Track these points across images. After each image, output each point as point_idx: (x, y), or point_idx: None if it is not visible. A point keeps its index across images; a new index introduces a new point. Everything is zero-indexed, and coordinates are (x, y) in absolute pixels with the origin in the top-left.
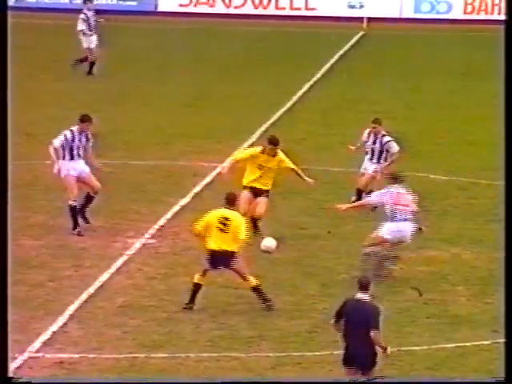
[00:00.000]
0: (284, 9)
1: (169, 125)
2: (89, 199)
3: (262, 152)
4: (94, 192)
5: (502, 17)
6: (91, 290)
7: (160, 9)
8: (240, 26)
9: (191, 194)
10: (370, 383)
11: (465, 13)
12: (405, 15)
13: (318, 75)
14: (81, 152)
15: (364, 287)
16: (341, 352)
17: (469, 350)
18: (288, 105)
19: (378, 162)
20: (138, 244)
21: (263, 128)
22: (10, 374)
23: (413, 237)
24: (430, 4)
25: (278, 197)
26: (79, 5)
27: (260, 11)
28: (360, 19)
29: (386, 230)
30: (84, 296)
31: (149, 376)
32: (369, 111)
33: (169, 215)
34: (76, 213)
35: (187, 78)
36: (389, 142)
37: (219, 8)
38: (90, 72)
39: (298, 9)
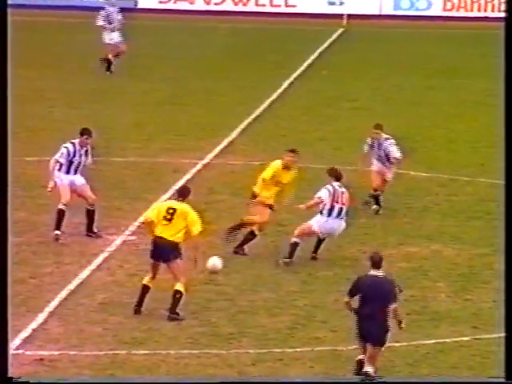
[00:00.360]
0: (264, 6)
1: (149, 122)
2: (90, 215)
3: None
4: (90, 204)
5: (482, 14)
6: (72, 286)
7: (140, 6)
8: (220, 23)
9: (172, 191)
10: (370, 383)
11: (444, 10)
12: (384, 12)
13: (298, 72)
14: (79, 168)
15: (376, 264)
16: (323, 348)
17: (448, 346)
18: (268, 101)
19: (384, 164)
20: (118, 241)
21: (243, 125)
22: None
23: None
24: (410, 1)
25: None
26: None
27: (240, 8)
28: (340, 16)
29: (317, 223)
30: (64, 293)
31: (130, 373)
32: (348, 108)
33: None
34: (62, 217)
35: (167, 74)
36: (389, 146)
37: (199, 5)
38: (109, 70)
39: (278, 6)
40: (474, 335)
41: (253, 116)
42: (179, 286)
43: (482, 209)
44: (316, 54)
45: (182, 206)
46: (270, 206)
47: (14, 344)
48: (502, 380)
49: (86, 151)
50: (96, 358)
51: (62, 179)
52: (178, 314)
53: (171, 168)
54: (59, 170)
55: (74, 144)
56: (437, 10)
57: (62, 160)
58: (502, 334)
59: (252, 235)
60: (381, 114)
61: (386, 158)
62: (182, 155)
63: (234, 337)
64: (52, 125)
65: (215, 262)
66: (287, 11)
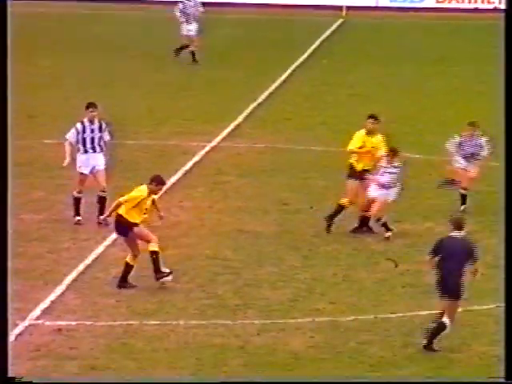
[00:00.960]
0: None
1: (160, 108)
2: (101, 201)
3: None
4: (101, 190)
5: (472, 5)
6: (88, 261)
7: None
8: (224, 14)
9: (181, 172)
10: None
11: (437, 2)
12: (381, 4)
13: (300, 60)
14: (96, 144)
15: (458, 226)
16: (323, 319)
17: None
18: (272, 88)
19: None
20: None
21: (249, 110)
22: (12, 339)
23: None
24: None
25: (263, 174)
26: None
27: (245, 0)
28: (339, 8)
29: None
30: (81, 267)
31: (142, 342)
32: (347, 94)
33: (160, 192)
34: (78, 203)
35: (176, 64)
36: (483, 143)
37: None
38: (194, 60)
39: None
40: (465, 306)
41: (258, 101)
42: (152, 247)
43: (472, 189)
44: (317, 44)
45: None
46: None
47: (34, 315)
48: (502, 380)
49: (100, 127)
50: (110, 328)
51: (81, 166)
52: (163, 272)
53: (181, 150)
54: (78, 151)
55: (82, 121)
56: (430, 2)
57: (73, 139)
58: (492, 306)
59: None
60: (378, 100)
61: (472, 155)
62: (191, 138)
63: (240, 308)
64: (69, 110)
65: None
66: (290, 3)
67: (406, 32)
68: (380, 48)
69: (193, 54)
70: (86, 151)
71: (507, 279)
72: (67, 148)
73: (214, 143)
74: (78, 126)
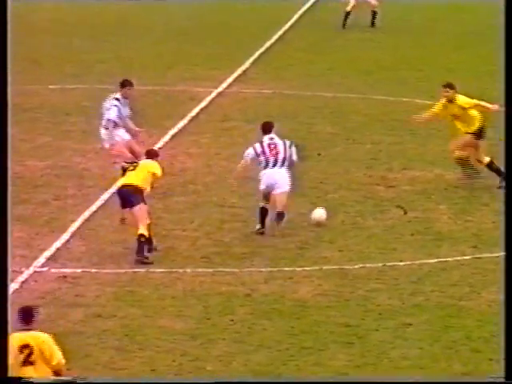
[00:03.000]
0: None
1: (167, 53)
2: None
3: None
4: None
5: None
6: (93, 207)
7: None
8: None
9: (188, 118)
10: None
11: None
12: None
13: (308, 5)
14: (126, 123)
15: None
16: (331, 267)
17: (450, 265)
18: (279, 34)
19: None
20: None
21: (256, 55)
22: (16, 286)
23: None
24: None
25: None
26: None
27: None
28: None
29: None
30: (86, 214)
31: (149, 289)
32: (356, 39)
33: (166, 138)
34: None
35: (183, 8)
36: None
37: None
38: (372, 24)
39: None
40: (474, 254)
41: (265, 47)
42: (142, 230)
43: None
44: None
45: (144, 161)
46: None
47: (39, 262)
48: (502, 380)
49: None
50: (116, 276)
51: (119, 139)
52: (146, 257)
53: (188, 96)
54: (114, 127)
55: (118, 99)
56: None
57: (117, 119)
58: (501, 254)
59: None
60: (387, 45)
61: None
62: (199, 84)
63: (247, 256)
64: (74, 55)
65: (320, 213)
66: None
67: None
68: None
69: (373, 15)
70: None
71: (507, 279)
72: (110, 129)
73: (220, 89)
74: (118, 104)
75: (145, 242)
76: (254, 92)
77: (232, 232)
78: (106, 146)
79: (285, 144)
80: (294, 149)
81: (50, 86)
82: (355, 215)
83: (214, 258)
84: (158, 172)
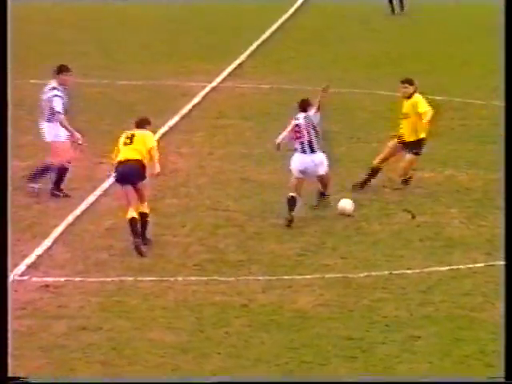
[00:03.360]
0: None
1: (155, 43)
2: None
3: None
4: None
5: None
6: (78, 211)
7: None
8: None
9: (179, 115)
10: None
11: None
12: None
13: None
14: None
15: None
16: (333, 275)
17: (462, 273)
18: (278, 24)
19: None
20: None
21: (253, 47)
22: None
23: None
24: None
25: (268, 117)
26: None
27: None
28: None
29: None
30: (70, 218)
31: (137, 300)
32: (362, 29)
33: (156, 136)
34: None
35: None
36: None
37: None
38: (402, 9)
39: None
40: (488, 261)
41: (262, 38)
42: (145, 209)
43: (497, 133)
44: None
45: (139, 132)
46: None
47: (19, 270)
48: (502, 380)
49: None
50: (102, 285)
51: (63, 135)
52: (139, 237)
53: (180, 91)
54: (58, 120)
55: (57, 88)
56: None
57: (63, 111)
58: None
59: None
60: (395, 38)
61: None
62: (191, 78)
63: (243, 264)
64: (59, 47)
65: (346, 204)
66: None
67: None
68: None
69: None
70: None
71: (507, 283)
72: (66, 124)
73: (214, 83)
74: (59, 93)
75: (136, 222)
76: (250, 87)
77: (227, 237)
78: (48, 140)
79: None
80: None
81: (32, 81)
82: (359, 219)
83: (208, 265)
84: (154, 149)
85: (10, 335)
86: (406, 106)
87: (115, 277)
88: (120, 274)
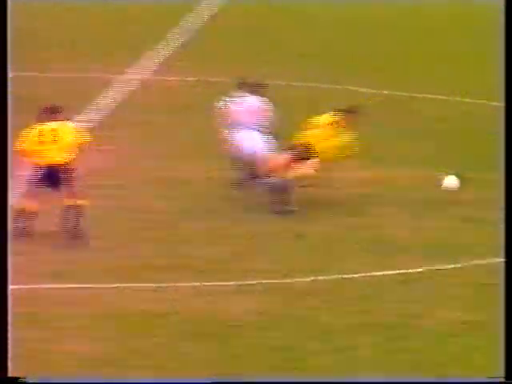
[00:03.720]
0: None
1: (79, 33)
2: None
3: None
4: None
5: None
6: None
7: None
8: None
9: (101, 109)
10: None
11: None
12: None
13: None
14: None
15: None
16: (268, 281)
17: (403, 279)
18: (205, 15)
19: None
20: None
21: (179, 40)
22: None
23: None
24: None
25: (197, 112)
26: None
27: None
28: None
29: None
30: None
31: (49, 310)
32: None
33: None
34: None
35: None
36: None
37: None
38: None
39: None
40: (433, 266)
41: (188, 31)
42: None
43: (438, 127)
44: None
45: (60, 126)
46: None
47: None
48: (502, 380)
49: None
50: (13, 292)
51: None
52: (79, 229)
53: (101, 84)
54: None
55: None
56: None
57: None
58: (459, 265)
59: None
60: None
61: None
62: (114, 70)
63: (171, 268)
64: None
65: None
66: None
67: None
68: None
69: None
70: None
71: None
72: None
73: (139, 76)
74: None
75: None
76: (177, 80)
77: (151, 241)
78: None
79: None
80: None
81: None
82: (294, 222)
83: (132, 271)
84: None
85: None
86: None
87: (22, 284)
88: (28, 280)
